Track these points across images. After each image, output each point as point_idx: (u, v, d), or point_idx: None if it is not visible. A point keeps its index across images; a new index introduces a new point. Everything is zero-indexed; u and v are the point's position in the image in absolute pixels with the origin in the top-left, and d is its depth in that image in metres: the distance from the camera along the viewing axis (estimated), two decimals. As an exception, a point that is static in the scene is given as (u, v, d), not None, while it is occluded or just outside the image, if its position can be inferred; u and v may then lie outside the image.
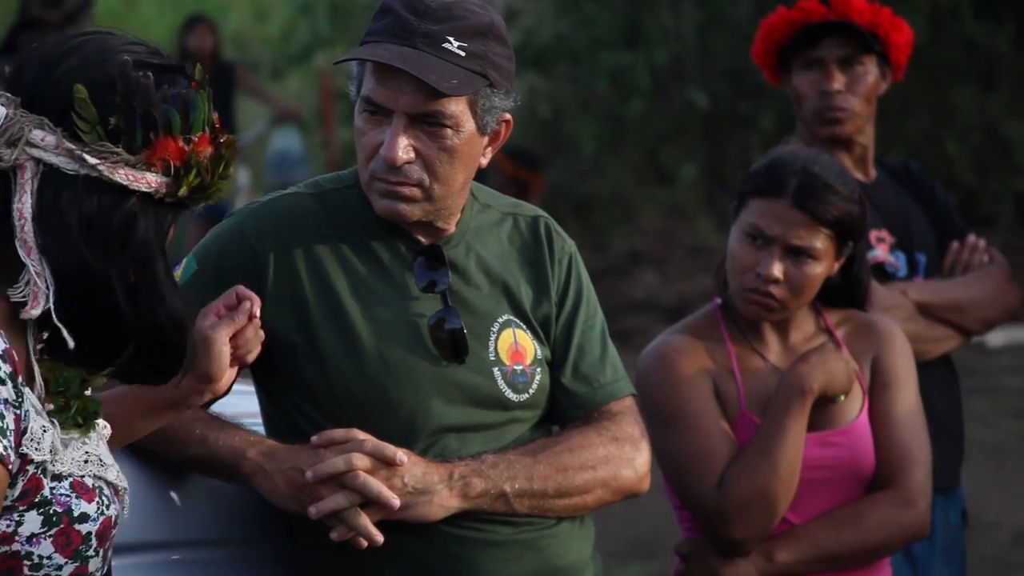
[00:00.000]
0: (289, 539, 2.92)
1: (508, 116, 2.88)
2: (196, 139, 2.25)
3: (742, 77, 11.33)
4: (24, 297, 2.21)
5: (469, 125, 2.82)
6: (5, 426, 2.16)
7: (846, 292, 3.40)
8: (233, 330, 2.69)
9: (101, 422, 2.35)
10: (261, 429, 2.91)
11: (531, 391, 2.92)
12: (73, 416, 2.31)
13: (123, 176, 2.22)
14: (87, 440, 2.31)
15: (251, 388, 2.96)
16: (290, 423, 2.87)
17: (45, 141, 2.21)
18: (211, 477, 2.86)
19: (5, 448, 2.15)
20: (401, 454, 2.78)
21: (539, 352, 2.94)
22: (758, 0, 11.29)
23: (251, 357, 2.72)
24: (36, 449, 2.22)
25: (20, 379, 2.19)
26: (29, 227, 2.20)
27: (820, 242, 3.26)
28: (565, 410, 2.96)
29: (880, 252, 3.83)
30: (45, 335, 2.26)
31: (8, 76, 2.27)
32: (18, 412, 2.18)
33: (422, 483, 2.79)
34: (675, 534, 3.42)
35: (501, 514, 2.85)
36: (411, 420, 2.84)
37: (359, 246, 2.88)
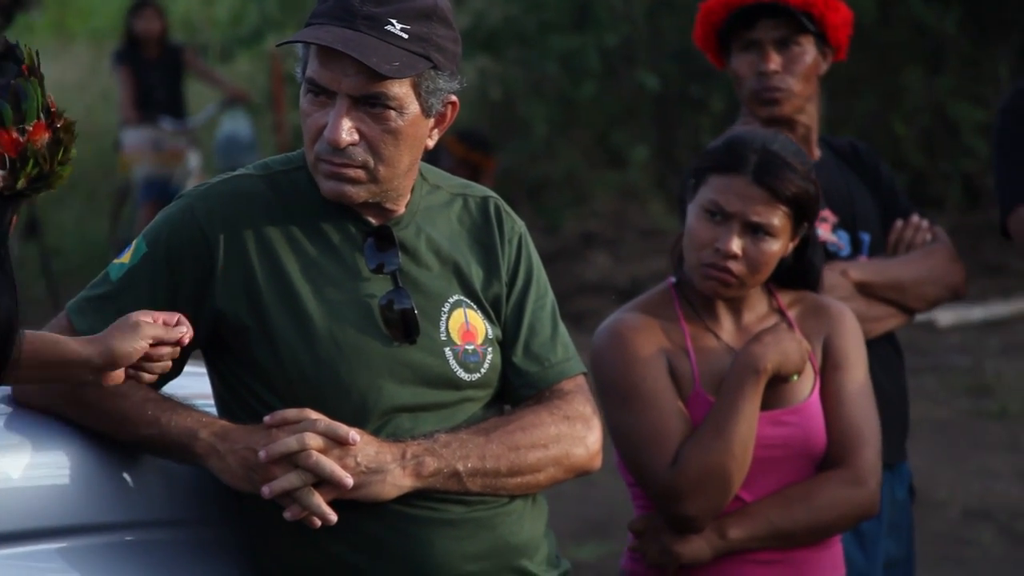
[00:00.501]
0: (242, 520, 2.92)
1: (454, 98, 2.89)
2: (31, 128, 2.21)
3: (692, 59, 11.35)
4: None
5: (413, 107, 2.83)
6: None
7: (799, 275, 3.43)
8: (160, 337, 2.66)
9: None
10: (213, 411, 2.91)
11: (482, 371, 2.93)
12: None
13: None
14: None
15: (203, 370, 2.96)
16: (242, 404, 2.87)
17: None
18: (163, 458, 2.86)
19: None
20: (354, 434, 2.79)
21: (490, 332, 2.95)
22: (708, -18, 11.32)
23: (148, 377, 2.70)
24: None
25: None
26: None
27: (778, 219, 3.29)
28: (517, 389, 2.98)
29: (822, 231, 3.85)
30: None
31: None
32: None
33: (375, 463, 2.80)
34: (629, 514, 3.44)
35: (454, 493, 2.86)
36: (363, 400, 2.84)
37: (309, 228, 2.89)
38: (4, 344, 2.26)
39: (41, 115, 2.23)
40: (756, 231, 3.29)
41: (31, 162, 2.22)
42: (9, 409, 2.86)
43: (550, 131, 12.16)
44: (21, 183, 2.23)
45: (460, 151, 10.10)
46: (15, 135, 2.20)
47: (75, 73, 16.25)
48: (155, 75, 11.13)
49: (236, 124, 11.74)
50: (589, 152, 12.48)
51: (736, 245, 3.28)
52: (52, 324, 2.89)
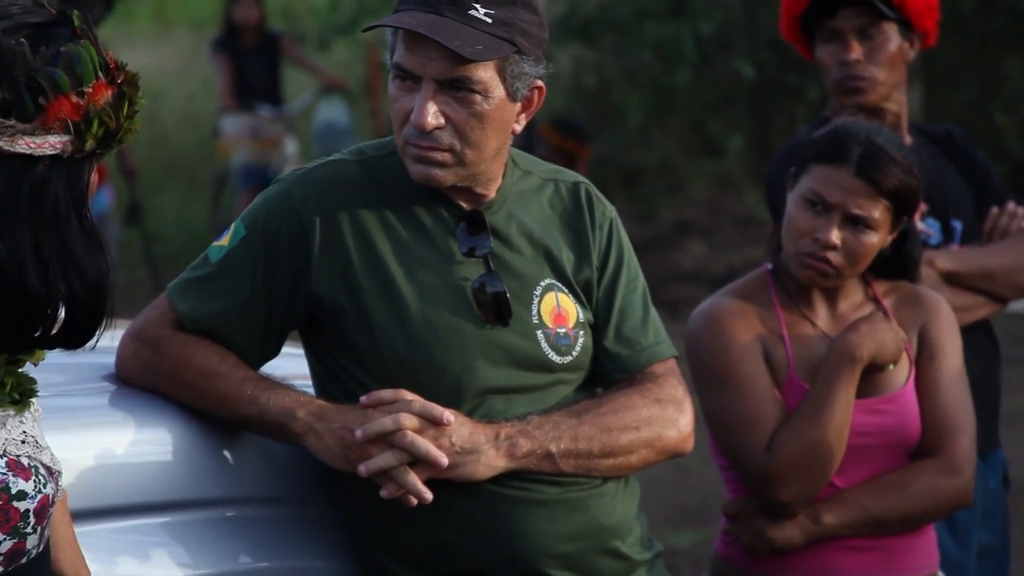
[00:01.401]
0: (340, 498, 2.97)
1: (540, 83, 2.92)
2: (90, 89, 2.22)
3: (788, 47, 11.30)
4: None
5: (499, 91, 2.86)
6: None
7: (897, 265, 3.44)
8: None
9: (35, 405, 2.36)
10: (311, 391, 2.96)
11: (574, 353, 2.96)
12: (9, 393, 2.31)
13: (25, 145, 2.20)
14: (23, 420, 2.32)
15: (300, 351, 3.01)
16: (339, 385, 2.92)
17: None
18: (262, 436, 2.90)
19: None
20: (448, 414, 2.82)
21: (581, 315, 2.98)
22: (805, -31, 11.25)
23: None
24: None
25: None
26: None
27: (878, 212, 3.30)
28: (608, 372, 3.00)
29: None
30: None
31: None
32: None
33: (469, 443, 2.83)
34: (723, 500, 3.45)
35: (547, 474, 2.89)
36: (457, 382, 2.88)
37: (402, 212, 2.93)
38: (97, 304, 2.29)
39: (100, 74, 2.24)
40: (856, 223, 3.30)
41: (95, 122, 2.24)
42: (113, 387, 2.92)
43: (645, 119, 12.15)
44: (89, 144, 2.25)
45: (554, 139, 10.11)
46: (74, 99, 2.22)
47: (175, 61, 16.42)
48: (253, 63, 11.22)
49: (333, 111, 11.82)
50: (684, 140, 12.45)
51: (836, 236, 3.29)
52: (153, 305, 2.95)
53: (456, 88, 2.83)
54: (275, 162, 11.00)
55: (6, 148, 2.20)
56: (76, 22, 2.25)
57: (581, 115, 11.40)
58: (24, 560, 2.25)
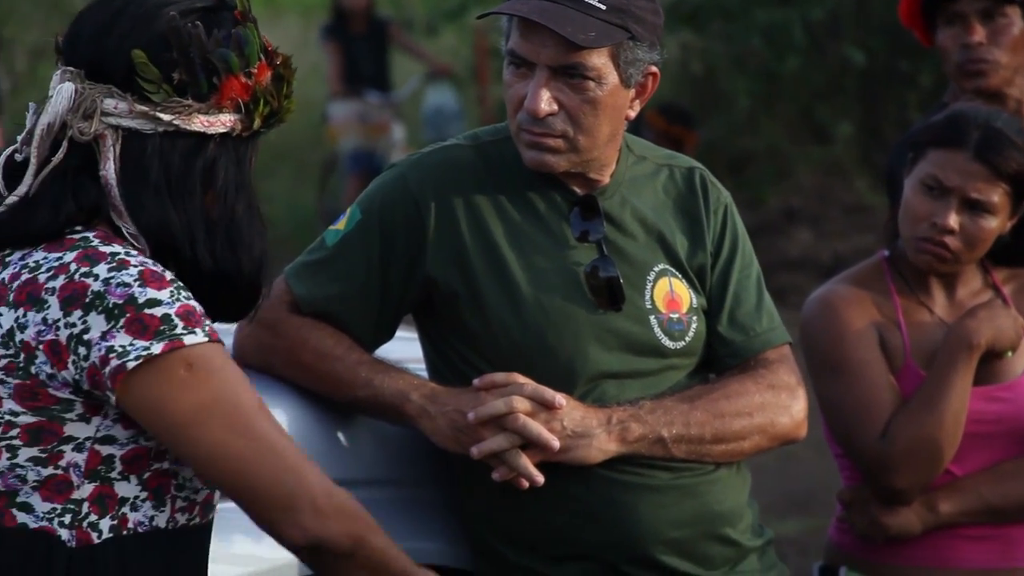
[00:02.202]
0: (453, 481, 2.98)
1: (654, 69, 2.91)
2: (256, 70, 2.32)
3: (900, 34, 11.18)
4: None
5: (612, 77, 2.85)
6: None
7: (1017, 252, 3.40)
8: None
9: None
10: (424, 374, 2.97)
11: (687, 339, 2.95)
12: None
13: (200, 124, 2.30)
14: None
15: (414, 335, 3.02)
16: (452, 368, 2.93)
17: (118, 108, 2.29)
18: (376, 418, 2.92)
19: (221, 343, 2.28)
20: (560, 397, 2.82)
21: (695, 301, 2.97)
22: (916, -45, 11.12)
23: None
24: None
25: None
26: (115, 192, 2.29)
27: (997, 196, 3.26)
28: (721, 358, 2.99)
29: None
30: None
31: (63, 47, 2.33)
32: None
33: (581, 426, 2.83)
34: (832, 489, 3.43)
35: (659, 459, 2.89)
36: (570, 366, 2.88)
37: (516, 197, 2.93)
38: (259, 278, 2.37)
39: (261, 56, 2.34)
40: (974, 207, 3.26)
41: (262, 101, 2.33)
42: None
43: (753, 105, 12.07)
44: (256, 122, 2.34)
45: (661, 124, 10.06)
46: (243, 79, 2.31)
47: (285, 46, 16.44)
48: (361, 49, 11.28)
49: (442, 97, 11.85)
50: (792, 127, 12.36)
51: (953, 220, 3.26)
52: (271, 287, 2.97)
53: (570, 75, 2.83)
54: (383, 148, 11.05)
55: (182, 126, 2.29)
56: (239, 6, 2.33)
57: (688, 101, 11.36)
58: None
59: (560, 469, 2.84)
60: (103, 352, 2.22)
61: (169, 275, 2.27)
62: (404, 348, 3.05)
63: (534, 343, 2.87)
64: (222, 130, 2.31)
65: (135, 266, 2.25)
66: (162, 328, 2.23)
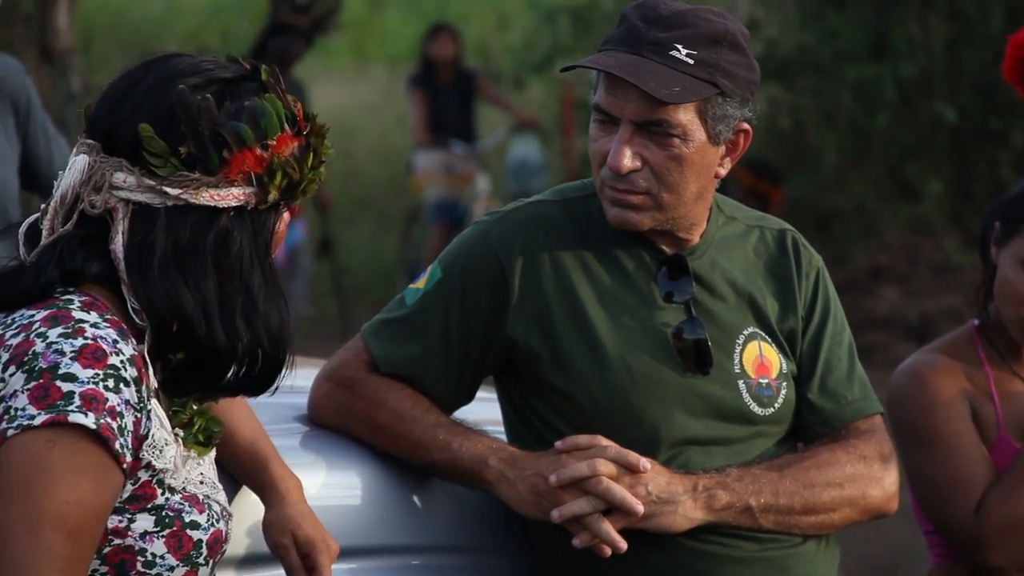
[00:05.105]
0: (531, 549, 2.90)
1: (746, 126, 2.83)
2: (274, 142, 2.26)
3: (993, 91, 11.06)
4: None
5: (699, 134, 2.78)
6: (124, 425, 2.18)
7: None
8: None
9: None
10: (503, 436, 2.90)
11: (776, 405, 2.87)
12: (195, 434, 2.35)
13: (208, 198, 2.24)
14: (201, 462, 2.34)
15: (494, 396, 2.95)
16: (533, 431, 2.86)
17: (127, 182, 2.25)
18: (453, 483, 2.86)
19: (121, 447, 2.17)
20: (645, 461, 2.75)
21: (785, 366, 2.89)
22: (1011, 13, 11.01)
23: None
24: (157, 457, 2.25)
25: (146, 387, 2.22)
26: (123, 267, 2.24)
27: None
28: (811, 427, 2.91)
29: None
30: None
31: (88, 117, 2.31)
32: (139, 416, 2.20)
33: (666, 492, 2.75)
34: (916, 558, 3.34)
35: (746, 529, 2.80)
36: (655, 430, 2.80)
37: (603, 255, 2.86)
38: (279, 353, 2.30)
39: (286, 127, 2.27)
40: None
41: (279, 174, 2.27)
42: (305, 428, 2.90)
43: (841, 162, 11.97)
44: (272, 195, 2.28)
45: (748, 180, 9.99)
46: (259, 152, 2.26)
47: (371, 96, 16.60)
48: (448, 99, 11.29)
49: (527, 148, 11.83)
50: (881, 184, 12.25)
51: None
52: (348, 346, 2.92)
53: (654, 131, 2.77)
54: (466, 198, 11.03)
55: (191, 200, 2.24)
56: (263, 76, 2.29)
57: (776, 156, 11.26)
58: None
59: (642, 538, 2.76)
60: (2, 411, 2.16)
61: (115, 359, 2.18)
62: (483, 410, 2.98)
63: (619, 406, 2.80)
64: (234, 203, 2.25)
65: (85, 338, 2.18)
66: (58, 402, 2.15)
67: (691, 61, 2.75)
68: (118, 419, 2.17)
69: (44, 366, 2.15)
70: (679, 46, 2.75)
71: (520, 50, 14.89)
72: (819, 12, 11.87)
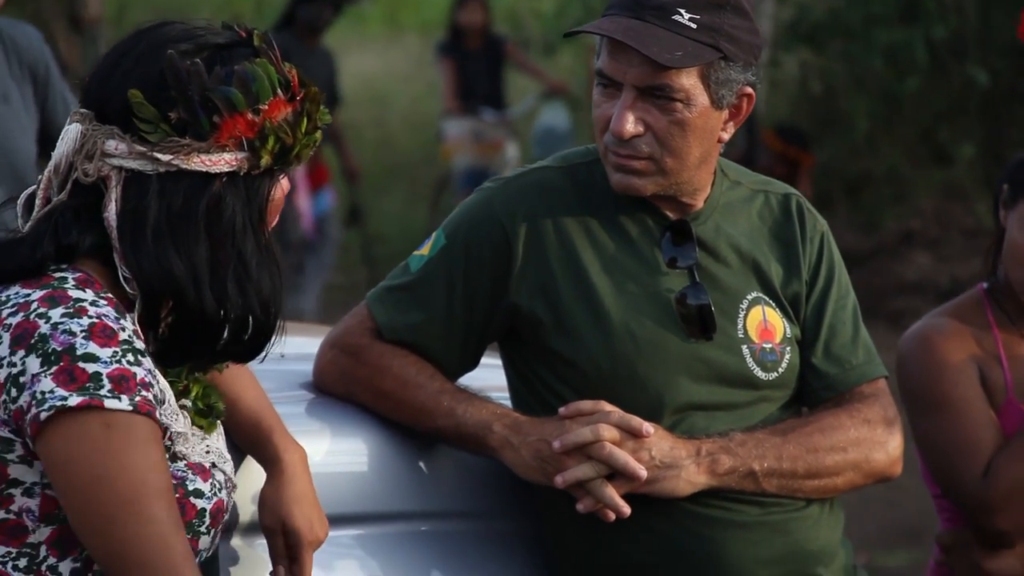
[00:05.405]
0: (535, 514, 2.92)
1: (749, 90, 2.83)
2: (266, 107, 2.26)
3: (1024, 54, 11.00)
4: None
5: (702, 99, 2.78)
6: (156, 394, 2.22)
7: None
8: None
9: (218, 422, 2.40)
10: (508, 402, 2.91)
11: (780, 370, 2.87)
12: (195, 401, 2.36)
13: (200, 163, 2.24)
14: (206, 436, 2.36)
15: (498, 362, 2.96)
16: (537, 397, 2.87)
17: (119, 149, 2.25)
18: (458, 449, 2.87)
19: (160, 415, 2.21)
20: (648, 426, 2.75)
21: (789, 331, 2.89)
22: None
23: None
24: (174, 421, 2.27)
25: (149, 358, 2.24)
26: (115, 234, 2.25)
27: None
28: (815, 391, 2.91)
29: None
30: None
31: (83, 87, 2.31)
32: (155, 382, 2.23)
33: (669, 457, 2.76)
34: (937, 528, 3.33)
35: (749, 493, 2.81)
36: (658, 396, 2.81)
37: (607, 220, 2.87)
38: (270, 320, 2.31)
39: (279, 92, 2.27)
40: None
41: (271, 139, 2.27)
42: (310, 395, 2.91)
43: (872, 126, 11.92)
44: (265, 160, 2.28)
45: (778, 146, 9.96)
46: (250, 116, 2.26)
47: (404, 64, 16.59)
48: (477, 67, 11.27)
49: (555, 116, 11.81)
50: (912, 148, 12.19)
51: None
52: (352, 313, 2.94)
53: (656, 95, 2.77)
54: (496, 166, 11.02)
55: (182, 166, 2.24)
56: (256, 41, 2.29)
57: (807, 121, 11.21)
58: (196, 560, 2.26)
59: (646, 504, 2.77)
60: (28, 397, 2.17)
61: (124, 334, 2.21)
62: (488, 376, 3.00)
63: (622, 372, 2.81)
64: (226, 169, 2.25)
65: (90, 317, 2.20)
66: (87, 385, 2.17)
67: (694, 25, 2.75)
68: (150, 389, 2.20)
69: (58, 348, 2.17)
70: (682, 10, 2.75)
71: (551, 17, 14.85)
72: (849, -25, 11.80)
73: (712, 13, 2.76)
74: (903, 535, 6.56)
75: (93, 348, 2.17)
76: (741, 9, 2.79)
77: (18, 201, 2.33)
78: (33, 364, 2.17)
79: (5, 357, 2.19)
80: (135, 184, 2.25)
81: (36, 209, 2.29)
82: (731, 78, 2.79)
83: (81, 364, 2.16)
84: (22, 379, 2.17)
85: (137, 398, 2.18)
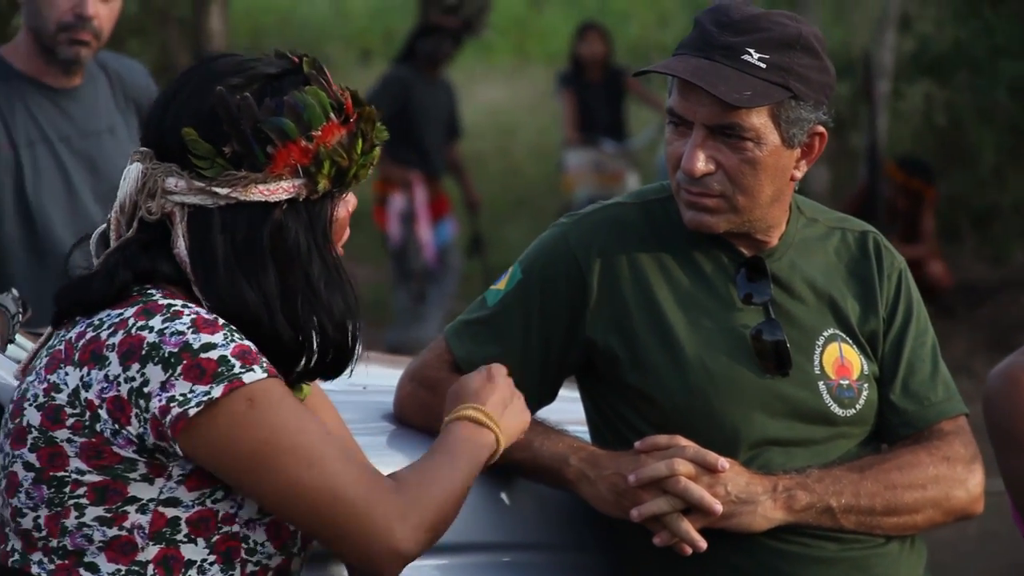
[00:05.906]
0: (613, 548, 2.94)
1: (821, 129, 2.84)
2: (319, 132, 2.30)
3: None
4: None
5: (772, 137, 2.80)
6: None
7: None
8: None
9: None
10: (586, 436, 2.94)
11: (858, 406, 2.87)
12: None
13: (258, 193, 2.30)
14: None
15: (577, 395, 2.99)
16: (614, 431, 2.89)
17: (179, 186, 2.31)
18: (536, 481, 2.89)
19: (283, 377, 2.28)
20: (724, 461, 2.76)
21: (866, 367, 2.89)
22: None
23: None
24: None
25: None
26: (189, 270, 2.31)
27: None
28: (894, 428, 2.90)
29: None
30: None
31: (142, 124, 2.38)
32: None
33: (745, 492, 2.77)
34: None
35: (827, 529, 2.81)
36: (734, 431, 2.82)
37: (682, 257, 2.89)
38: (345, 339, 2.36)
39: (332, 116, 2.32)
40: None
41: (327, 163, 2.32)
42: (391, 427, 2.95)
43: (999, 159, 11.78)
44: (323, 184, 2.33)
45: (900, 178, 9.88)
46: (303, 143, 2.31)
47: (530, 95, 16.67)
48: (597, 98, 11.31)
49: (675, 147, 11.80)
50: (1040, 181, 12.04)
51: None
52: (431, 347, 2.97)
53: (727, 134, 2.79)
54: (617, 196, 11.03)
55: (241, 198, 2.30)
56: (305, 67, 2.33)
57: (931, 153, 11.11)
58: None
59: (723, 538, 2.78)
60: (163, 402, 2.24)
61: (222, 320, 2.28)
62: (567, 408, 3.02)
63: (698, 407, 2.82)
64: (284, 196, 2.31)
65: (188, 315, 2.27)
66: (220, 370, 2.24)
67: (763, 65, 2.77)
68: (264, 359, 2.27)
69: (175, 350, 2.24)
70: (751, 50, 2.77)
71: (671, 48, 14.83)
72: (973, 7, 11.68)
73: (782, 53, 2.78)
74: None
75: (206, 338, 2.25)
76: (811, 48, 2.81)
77: (91, 240, 2.40)
78: (155, 373, 2.24)
79: (119, 375, 2.25)
80: (198, 219, 2.32)
81: (111, 247, 2.37)
82: (802, 117, 2.81)
83: (203, 355, 2.24)
84: (146, 389, 2.24)
85: (264, 363, 2.26)
